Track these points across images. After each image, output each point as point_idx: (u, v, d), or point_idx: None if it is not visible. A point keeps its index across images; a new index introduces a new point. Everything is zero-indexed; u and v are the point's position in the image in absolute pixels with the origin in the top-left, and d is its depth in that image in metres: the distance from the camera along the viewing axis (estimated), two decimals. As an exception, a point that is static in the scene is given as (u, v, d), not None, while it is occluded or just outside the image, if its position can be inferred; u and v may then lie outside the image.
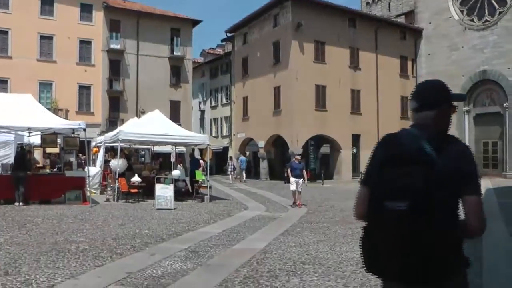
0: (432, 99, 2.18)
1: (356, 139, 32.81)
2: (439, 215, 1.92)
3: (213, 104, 45.97)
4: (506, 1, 31.44)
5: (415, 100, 2.22)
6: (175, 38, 38.27)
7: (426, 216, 1.89)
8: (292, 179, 15.01)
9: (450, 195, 1.97)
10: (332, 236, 9.32)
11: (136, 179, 15.82)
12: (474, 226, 2.01)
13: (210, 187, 17.25)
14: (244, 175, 32.10)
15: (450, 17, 34.47)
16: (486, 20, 32.60)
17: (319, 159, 32.74)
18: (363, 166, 33.22)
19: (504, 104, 31.06)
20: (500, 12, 31.79)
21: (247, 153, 38.06)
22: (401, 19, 38.26)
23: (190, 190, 17.81)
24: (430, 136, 2.05)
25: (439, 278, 1.96)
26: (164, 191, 13.98)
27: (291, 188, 15.09)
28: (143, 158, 27.54)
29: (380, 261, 2.03)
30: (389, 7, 40.06)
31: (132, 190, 15.65)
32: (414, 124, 2.20)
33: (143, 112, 29.35)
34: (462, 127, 32.25)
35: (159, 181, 14.48)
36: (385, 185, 2.00)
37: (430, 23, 35.87)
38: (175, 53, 38.07)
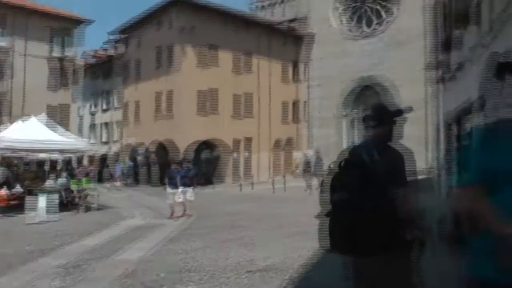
0: (373, 120, 3.07)
1: (247, 142, 33.23)
2: (368, 203, 2.76)
3: (104, 107, 43.98)
4: (392, 11, 34.03)
5: (365, 121, 3.17)
6: (62, 38, 35.80)
7: (357, 203, 2.78)
8: (168, 189, 13.39)
9: (378, 188, 2.77)
10: (218, 241, 9.41)
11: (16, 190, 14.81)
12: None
13: (98, 196, 16.63)
14: (119, 182, 31.09)
15: (339, 24, 36.33)
16: (374, 29, 34.92)
17: (209, 164, 32.73)
18: (254, 168, 33.39)
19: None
20: (387, 22, 34.22)
21: (138, 157, 37.00)
22: (294, 24, 38.96)
23: (76, 200, 16.90)
24: (371, 146, 2.96)
25: (369, 252, 2.79)
26: (41, 203, 13.14)
27: (170, 200, 13.28)
28: (27, 166, 25.67)
29: (334, 237, 2.92)
30: (283, 12, 40.70)
31: (12, 202, 14.52)
32: (367, 137, 3.13)
33: (24, 117, 27.36)
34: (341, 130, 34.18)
35: (34, 193, 13.61)
36: (337, 182, 2.94)
37: (320, 29, 37.07)
38: (61, 54, 35.58)
